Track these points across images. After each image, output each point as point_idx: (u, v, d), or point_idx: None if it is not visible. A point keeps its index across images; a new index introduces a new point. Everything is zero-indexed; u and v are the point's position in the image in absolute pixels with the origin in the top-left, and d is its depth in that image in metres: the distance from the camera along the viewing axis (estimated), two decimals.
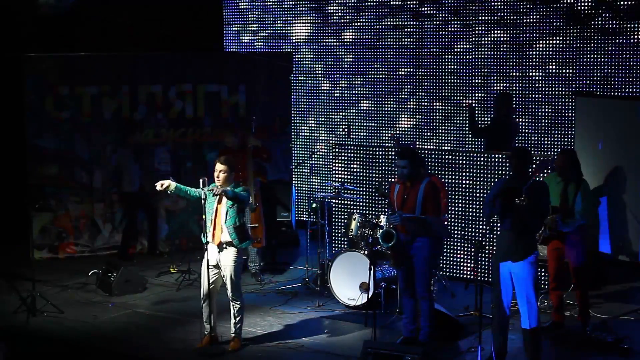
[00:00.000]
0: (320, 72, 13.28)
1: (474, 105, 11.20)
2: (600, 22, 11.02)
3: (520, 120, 11.54)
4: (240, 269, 8.30)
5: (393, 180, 8.72)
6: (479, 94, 11.93)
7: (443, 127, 12.27)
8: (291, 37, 13.40)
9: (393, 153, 10.45)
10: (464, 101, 11.67)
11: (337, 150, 11.22)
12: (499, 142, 10.61)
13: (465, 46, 12.03)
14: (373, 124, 12.86)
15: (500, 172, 9.94)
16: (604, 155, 9.40)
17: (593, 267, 9.47)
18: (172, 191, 8.29)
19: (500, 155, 10.00)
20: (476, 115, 11.33)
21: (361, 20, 12.85)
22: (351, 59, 12.99)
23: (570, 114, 11.18)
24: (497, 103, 10.91)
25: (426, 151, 10.74)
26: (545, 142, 11.49)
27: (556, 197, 8.50)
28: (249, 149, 10.34)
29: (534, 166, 9.00)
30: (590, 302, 8.96)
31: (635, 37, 10.81)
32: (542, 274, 9.53)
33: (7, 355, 7.51)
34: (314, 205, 10.64)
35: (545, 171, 9.36)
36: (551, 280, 8.77)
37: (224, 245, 8.18)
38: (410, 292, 8.30)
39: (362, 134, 12.91)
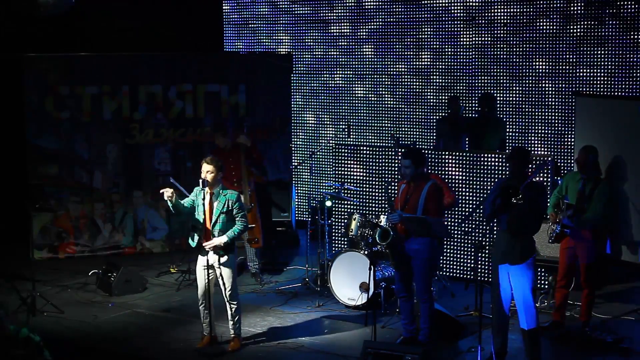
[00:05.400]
0: (320, 72, 13.27)
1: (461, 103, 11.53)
2: (600, 22, 11.03)
3: (520, 120, 11.55)
4: (235, 269, 8.25)
5: (395, 183, 8.70)
6: (478, 93, 11.95)
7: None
8: (291, 37, 13.39)
9: (393, 153, 10.47)
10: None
11: (337, 150, 11.22)
12: (480, 139, 10.91)
13: (465, 45, 12.03)
14: (373, 124, 12.86)
15: (500, 172, 9.95)
16: (604, 155, 9.38)
17: (600, 268, 9.43)
18: (172, 202, 8.02)
19: (494, 156, 10.01)
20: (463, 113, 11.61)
21: (361, 20, 12.84)
22: (351, 59, 12.99)
23: (570, 114, 11.18)
24: (479, 102, 11.15)
25: (427, 151, 10.73)
26: (545, 143, 11.49)
27: (573, 194, 8.48)
28: (242, 148, 10.29)
29: (532, 166, 8.99)
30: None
31: (636, 36, 10.80)
32: (541, 274, 9.53)
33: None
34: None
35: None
36: (559, 279, 8.72)
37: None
38: (407, 294, 8.29)
39: (362, 133, 12.90)
